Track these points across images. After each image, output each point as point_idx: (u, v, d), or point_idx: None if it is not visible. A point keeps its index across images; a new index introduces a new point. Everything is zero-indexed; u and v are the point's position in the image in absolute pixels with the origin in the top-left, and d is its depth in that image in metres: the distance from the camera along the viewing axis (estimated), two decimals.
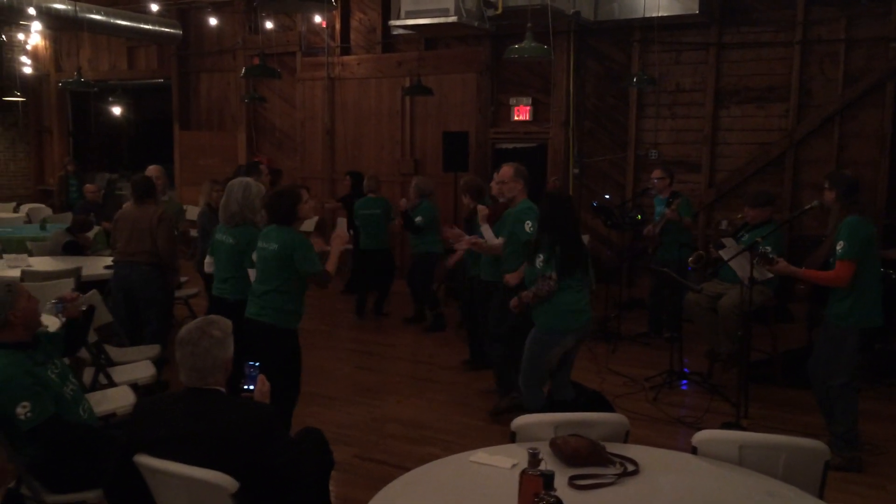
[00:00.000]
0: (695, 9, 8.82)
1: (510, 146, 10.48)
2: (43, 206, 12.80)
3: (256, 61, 10.24)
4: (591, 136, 10.11)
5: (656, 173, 7.83)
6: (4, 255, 7.54)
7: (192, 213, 9.92)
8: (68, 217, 9.65)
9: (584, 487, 2.70)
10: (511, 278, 5.21)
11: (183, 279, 7.87)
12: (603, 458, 2.88)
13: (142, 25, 12.08)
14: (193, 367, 2.88)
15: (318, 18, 11.23)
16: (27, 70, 14.34)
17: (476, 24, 9.13)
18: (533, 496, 2.34)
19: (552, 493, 2.33)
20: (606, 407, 5.24)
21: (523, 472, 2.43)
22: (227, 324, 3.03)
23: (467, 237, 6.01)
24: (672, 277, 6.43)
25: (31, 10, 10.47)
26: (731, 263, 5.61)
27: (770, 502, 2.68)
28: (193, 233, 8.80)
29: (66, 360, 4.07)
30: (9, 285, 3.54)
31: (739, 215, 6.84)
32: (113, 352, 5.50)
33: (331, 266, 4.71)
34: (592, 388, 5.61)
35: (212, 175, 9.36)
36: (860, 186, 4.89)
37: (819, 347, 4.95)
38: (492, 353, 5.85)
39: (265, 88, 12.07)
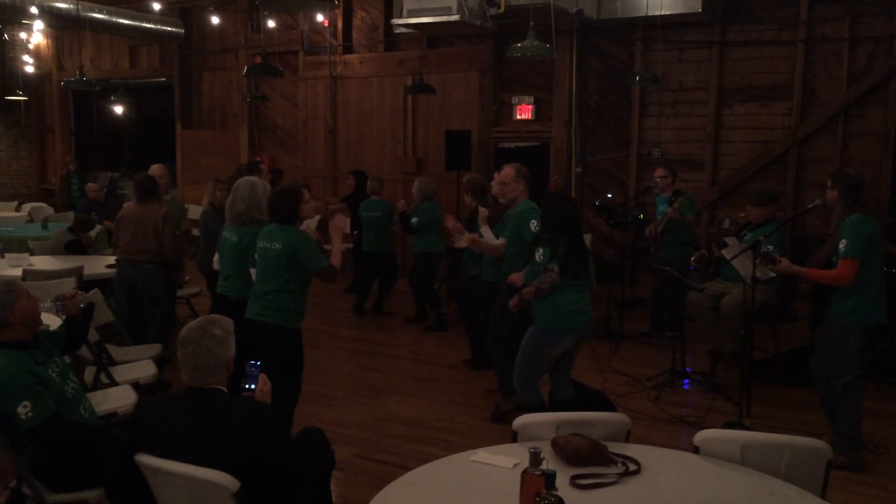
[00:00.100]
0: (698, 7, 8.81)
1: (512, 145, 10.47)
2: (45, 205, 12.82)
3: (258, 60, 10.26)
4: (593, 134, 10.10)
5: (659, 172, 7.82)
6: (6, 255, 7.54)
7: (194, 212, 9.94)
8: (70, 216, 9.66)
9: (586, 487, 2.70)
10: (516, 278, 5.19)
11: (186, 278, 7.87)
12: (604, 458, 2.87)
13: (144, 24, 12.08)
14: (195, 366, 2.88)
15: (320, 17, 11.22)
16: (29, 69, 14.36)
17: (478, 22, 9.12)
18: (534, 496, 2.33)
19: (554, 492, 2.32)
20: (608, 406, 5.23)
21: (525, 472, 2.43)
22: (228, 323, 3.03)
23: (467, 234, 5.99)
24: (674, 276, 6.42)
25: (34, 9, 10.47)
26: (734, 262, 5.60)
27: (772, 502, 2.67)
28: (195, 232, 8.79)
29: (67, 359, 4.07)
30: (8, 284, 3.53)
31: (742, 214, 6.83)
32: (114, 351, 5.50)
33: (335, 260, 4.71)
34: (594, 388, 5.59)
35: (214, 174, 9.36)
36: (863, 185, 4.87)
37: (822, 346, 4.94)
38: (493, 354, 5.84)
39: (267, 87, 12.07)
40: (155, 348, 5.75)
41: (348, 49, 11.48)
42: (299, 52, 11.78)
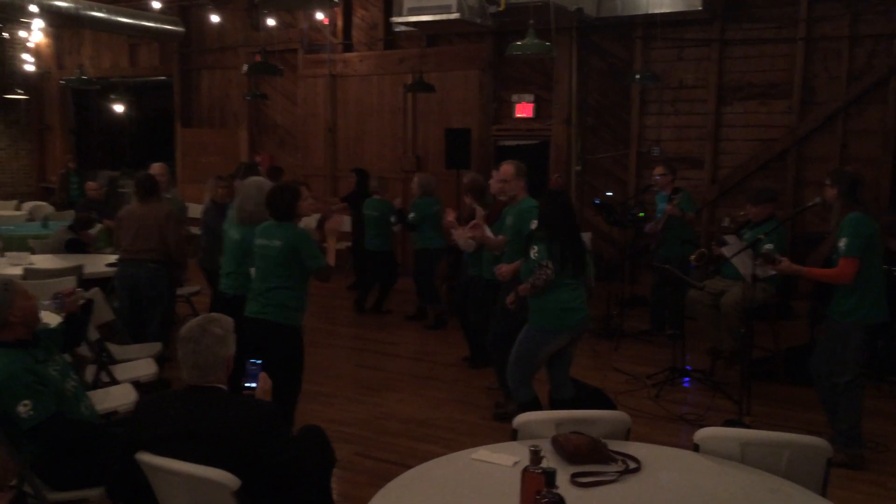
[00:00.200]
0: (697, 5, 8.80)
1: (512, 143, 10.47)
2: (45, 203, 12.81)
3: (258, 58, 10.26)
4: (593, 132, 10.10)
5: (658, 170, 7.81)
6: (7, 254, 7.54)
7: (194, 210, 9.93)
8: (70, 215, 9.65)
9: (586, 485, 2.70)
10: (505, 271, 5.22)
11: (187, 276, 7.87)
12: (604, 456, 2.87)
13: (143, 23, 12.08)
14: (195, 364, 2.88)
15: (319, 15, 11.21)
16: (29, 68, 14.33)
17: (478, 20, 9.12)
18: (535, 494, 2.33)
19: (554, 490, 2.32)
20: (608, 404, 5.24)
21: (525, 470, 2.43)
22: (228, 321, 3.03)
23: (469, 227, 5.99)
24: (674, 275, 6.42)
25: (33, 8, 10.46)
26: (734, 260, 5.60)
27: (772, 500, 2.67)
28: (195, 230, 8.79)
29: (68, 358, 4.07)
30: (5, 284, 3.52)
31: (742, 212, 6.83)
32: (115, 349, 5.50)
33: (330, 259, 4.71)
34: (594, 386, 5.59)
35: (213, 173, 9.35)
36: (862, 183, 4.87)
37: (822, 344, 4.94)
38: (495, 353, 5.84)
39: (267, 86, 12.07)
40: (155, 347, 5.75)
41: (348, 47, 11.47)
42: (299, 51, 11.78)
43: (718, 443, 3.01)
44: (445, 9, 8.80)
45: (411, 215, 8.09)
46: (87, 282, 6.29)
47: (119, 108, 14.23)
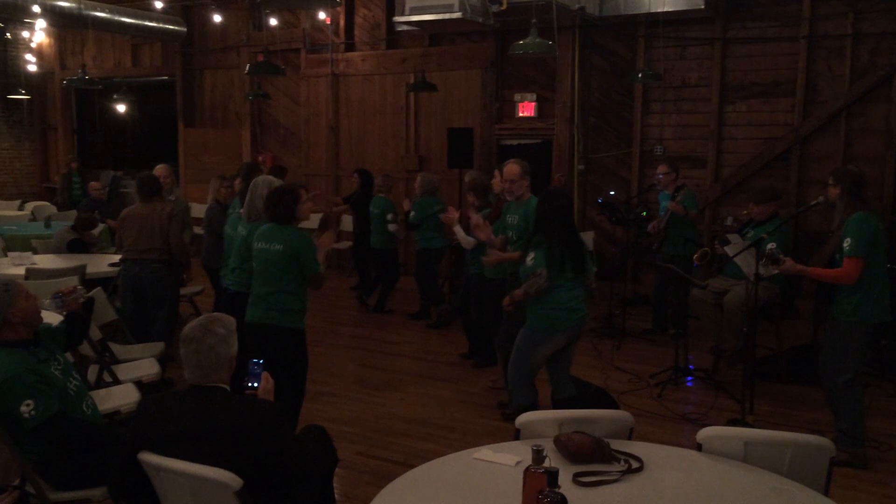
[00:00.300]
0: (700, 4, 8.79)
1: (515, 142, 10.46)
2: (47, 203, 12.83)
3: (260, 58, 10.25)
4: (596, 131, 10.09)
5: (661, 169, 7.81)
6: (9, 253, 7.55)
7: (197, 210, 9.95)
8: (73, 215, 9.67)
9: (589, 484, 2.69)
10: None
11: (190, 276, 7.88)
12: (607, 455, 2.87)
13: (146, 23, 12.09)
14: (197, 364, 2.88)
15: (322, 15, 11.22)
16: (32, 68, 14.37)
17: (480, 20, 9.12)
18: (537, 493, 2.33)
19: (556, 490, 2.32)
20: (611, 404, 5.23)
21: (527, 470, 2.43)
22: (230, 321, 3.03)
23: (472, 226, 6.00)
24: (677, 274, 6.41)
25: (36, 8, 10.48)
26: (737, 260, 5.59)
27: (775, 499, 2.67)
28: (198, 229, 8.81)
29: (70, 358, 4.07)
30: (6, 284, 3.52)
31: (745, 211, 6.82)
32: (117, 349, 5.51)
33: (321, 258, 4.71)
34: (596, 385, 5.59)
35: (216, 172, 9.36)
36: (866, 182, 4.86)
37: (827, 344, 4.94)
38: (502, 352, 5.83)
39: (269, 85, 12.07)
40: (158, 346, 5.76)
41: (350, 47, 11.47)
42: (301, 50, 11.78)
43: (721, 442, 3.00)
44: (447, 8, 8.80)
45: (412, 214, 8.09)
46: (89, 281, 6.30)
47: (122, 107, 14.26)
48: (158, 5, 11.70)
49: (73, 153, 14.34)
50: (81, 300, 4.27)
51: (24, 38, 14.51)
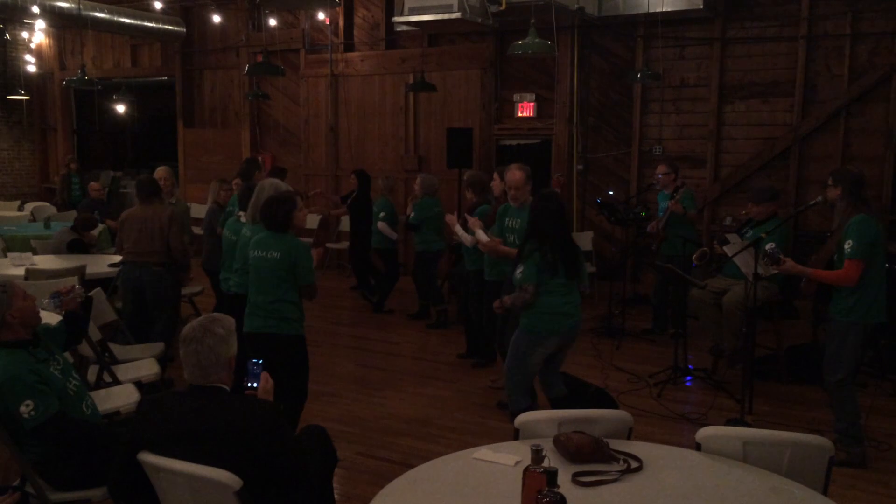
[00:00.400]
0: (699, 3, 8.80)
1: (514, 142, 10.47)
2: (47, 204, 12.82)
3: (260, 58, 10.25)
4: (595, 132, 10.09)
5: (661, 168, 7.81)
6: (9, 254, 7.55)
7: (197, 210, 9.95)
8: (72, 215, 9.68)
9: (588, 484, 2.70)
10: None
11: (190, 277, 7.88)
12: (606, 455, 2.87)
13: (145, 23, 12.09)
14: (197, 364, 2.88)
15: (321, 15, 11.22)
16: (31, 68, 14.36)
17: (479, 20, 9.12)
18: (536, 493, 2.33)
19: (555, 489, 2.32)
20: (611, 404, 5.23)
21: (526, 469, 2.43)
22: (230, 321, 3.03)
23: (467, 233, 6.04)
24: (676, 273, 6.41)
25: (35, 9, 10.48)
26: (736, 259, 5.60)
27: (774, 499, 2.67)
28: (197, 230, 8.81)
29: (70, 358, 4.07)
30: (3, 285, 3.52)
31: (744, 211, 6.82)
32: (117, 350, 5.51)
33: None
34: (596, 385, 5.60)
35: (216, 173, 9.39)
36: (865, 182, 4.86)
37: (826, 343, 4.95)
38: (502, 353, 5.84)
39: (269, 85, 12.07)
40: (158, 347, 5.76)
41: (350, 47, 11.47)
42: (301, 51, 11.78)
43: (720, 442, 3.01)
44: (447, 8, 8.79)
45: (412, 215, 8.10)
46: (89, 282, 6.31)
47: (121, 108, 14.22)
48: (158, 6, 11.70)
49: (72, 154, 14.33)
50: (79, 300, 4.27)
51: (23, 39, 14.51)
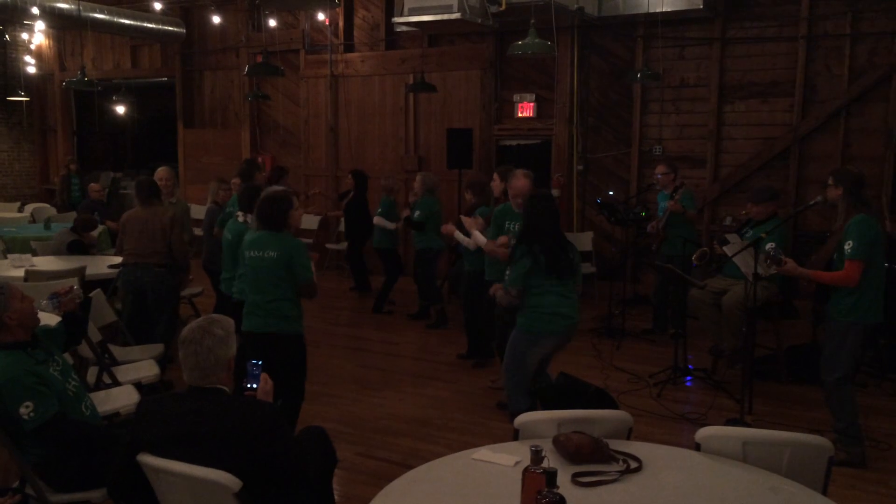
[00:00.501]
0: (698, 3, 8.80)
1: (514, 143, 10.47)
2: (47, 205, 12.82)
3: (260, 59, 10.25)
4: (595, 132, 10.09)
5: (660, 169, 7.81)
6: (9, 255, 7.55)
7: (196, 211, 9.95)
8: (72, 216, 9.67)
9: (587, 485, 2.70)
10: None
11: (190, 278, 7.89)
12: (606, 456, 2.87)
13: (145, 24, 12.09)
14: (196, 365, 2.88)
15: (321, 16, 11.22)
16: (31, 70, 14.36)
17: (479, 20, 9.12)
18: (536, 494, 2.33)
19: (555, 490, 2.32)
20: (611, 404, 5.22)
21: (526, 470, 2.43)
22: (229, 322, 3.03)
23: (464, 235, 6.06)
24: (676, 274, 6.41)
25: (35, 10, 10.48)
26: (735, 259, 5.60)
27: (774, 499, 2.67)
28: (198, 231, 8.82)
29: (70, 359, 4.07)
30: (0, 287, 3.53)
31: (743, 211, 6.82)
32: (117, 351, 5.51)
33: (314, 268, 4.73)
34: (596, 385, 5.58)
35: (216, 173, 9.38)
36: (865, 182, 4.86)
37: (825, 343, 4.95)
38: (501, 353, 5.84)
39: (269, 86, 12.08)
40: (157, 348, 5.76)
41: (349, 48, 11.47)
42: (300, 51, 11.78)
43: (720, 442, 3.01)
44: (446, 9, 8.80)
45: (417, 213, 8.08)
46: (89, 283, 6.31)
47: (121, 109, 14.23)
48: (157, 7, 11.70)
49: (72, 155, 14.34)
50: (78, 300, 4.26)
51: (23, 40, 14.51)
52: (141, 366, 5.28)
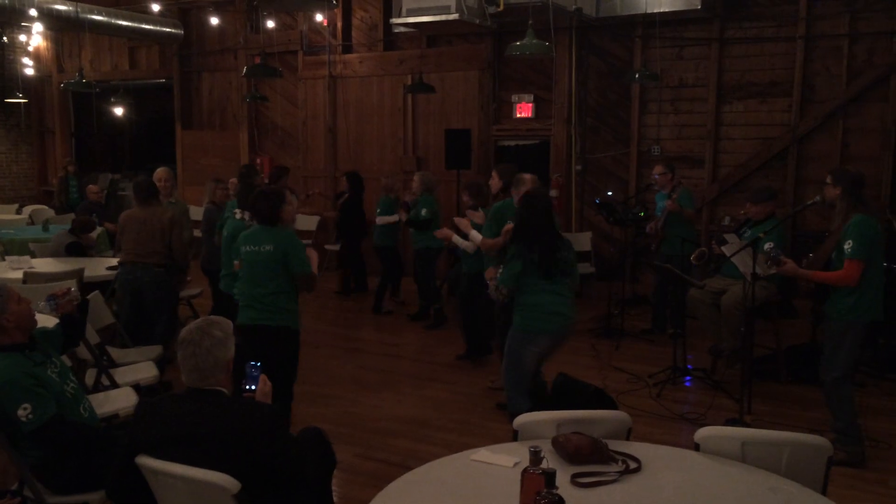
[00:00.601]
0: (697, 4, 8.80)
1: (512, 143, 10.47)
2: (45, 207, 12.80)
3: (258, 60, 10.26)
4: (593, 132, 10.09)
5: (657, 169, 7.82)
6: (7, 257, 7.54)
7: (194, 212, 9.93)
8: (71, 218, 9.66)
9: (587, 485, 2.69)
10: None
11: (188, 279, 7.88)
12: (605, 456, 2.87)
13: (143, 25, 12.09)
14: (195, 367, 2.88)
15: (319, 17, 11.21)
16: (29, 71, 14.34)
17: (477, 21, 9.12)
18: (535, 494, 2.33)
19: (554, 491, 2.32)
20: (610, 404, 5.22)
21: (525, 471, 2.43)
22: (227, 324, 3.03)
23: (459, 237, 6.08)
24: (675, 274, 6.41)
25: (33, 12, 10.47)
26: (734, 259, 5.60)
27: (773, 498, 2.67)
28: (196, 232, 8.81)
29: (68, 361, 4.06)
30: None
31: (742, 211, 6.82)
32: (115, 353, 5.50)
33: (314, 267, 4.73)
34: (595, 386, 5.58)
35: (214, 175, 9.37)
36: (864, 182, 4.86)
37: (824, 343, 4.95)
38: (500, 353, 5.84)
39: (267, 87, 12.07)
40: (156, 350, 5.75)
41: (348, 49, 11.47)
42: (298, 52, 11.77)
43: (719, 442, 3.00)
44: (444, 9, 8.80)
45: (424, 211, 8.06)
46: (87, 285, 6.30)
47: (119, 110, 14.21)
48: (155, 8, 11.70)
49: (70, 156, 14.33)
50: (75, 302, 4.26)
51: (21, 42, 14.50)
52: (139, 367, 5.27)
